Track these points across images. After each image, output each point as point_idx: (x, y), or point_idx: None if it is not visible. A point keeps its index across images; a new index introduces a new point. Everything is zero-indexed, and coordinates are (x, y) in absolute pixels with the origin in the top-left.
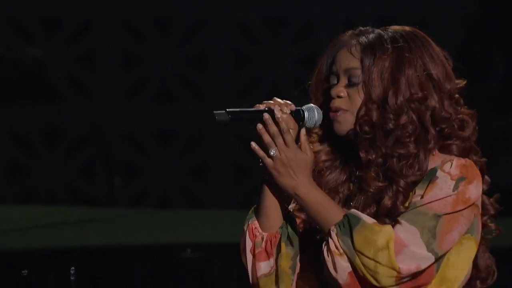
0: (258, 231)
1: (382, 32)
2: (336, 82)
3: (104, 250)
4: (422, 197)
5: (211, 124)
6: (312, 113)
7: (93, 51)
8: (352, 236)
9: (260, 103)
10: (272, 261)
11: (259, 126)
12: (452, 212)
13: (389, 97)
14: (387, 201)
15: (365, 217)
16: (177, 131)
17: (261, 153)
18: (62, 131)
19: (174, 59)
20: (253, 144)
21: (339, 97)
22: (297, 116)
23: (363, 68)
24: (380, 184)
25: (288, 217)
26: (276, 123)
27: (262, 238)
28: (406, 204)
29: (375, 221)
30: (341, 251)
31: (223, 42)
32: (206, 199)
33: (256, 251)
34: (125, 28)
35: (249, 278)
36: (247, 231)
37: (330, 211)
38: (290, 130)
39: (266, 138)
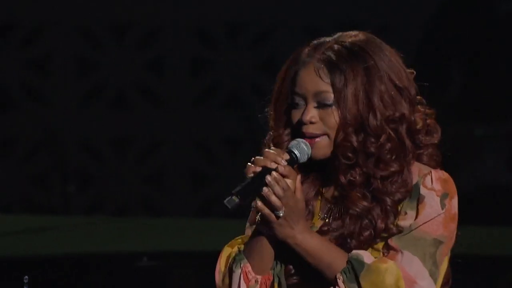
0: (251, 274)
1: (342, 46)
2: (302, 103)
3: (58, 259)
4: (415, 218)
5: (168, 131)
6: (303, 150)
7: (47, 57)
8: (359, 282)
9: (250, 162)
10: None
11: (265, 189)
12: (448, 235)
13: (369, 119)
14: (380, 224)
15: (367, 258)
16: (133, 138)
17: (267, 211)
18: (16, 138)
19: (130, 66)
20: (259, 203)
21: (312, 123)
22: (292, 161)
23: (334, 91)
24: (367, 204)
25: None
26: (280, 179)
27: (256, 281)
28: (396, 222)
29: (374, 258)
30: None
31: (179, 48)
32: (163, 207)
33: None
34: (81, 34)
35: None
36: (241, 274)
37: (332, 257)
38: (290, 181)
39: (274, 199)
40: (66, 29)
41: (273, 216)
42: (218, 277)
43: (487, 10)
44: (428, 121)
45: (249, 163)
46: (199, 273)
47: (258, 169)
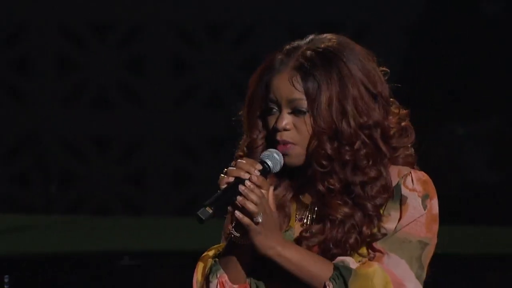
0: (228, 284)
1: (315, 52)
2: (276, 110)
3: (40, 258)
4: (399, 219)
5: (150, 130)
6: (275, 160)
7: (28, 55)
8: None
9: (223, 173)
10: None
11: (239, 198)
12: (432, 237)
13: (342, 127)
14: (365, 230)
15: (352, 264)
16: (115, 137)
17: (246, 220)
18: None
19: (111, 65)
20: (238, 213)
21: (285, 130)
22: (264, 172)
23: (308, 98)
24: (348, 210)
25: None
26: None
27: None
28: (380, 224)
29: (357, 264)
30: None
31: (161, 47)
32: (145, 206)
33: None
34: (62, 33)
35: None
36: (218, 285)
37: (317, 265)
38: (264, 192)
39: (250, 206)
40: (47, 28)
41: (253, 224)
42: (195, 287)
43: (472, 11)
44: (403, 124)
45: (222, 175)
46: (180, 273)
47: (231, 179)
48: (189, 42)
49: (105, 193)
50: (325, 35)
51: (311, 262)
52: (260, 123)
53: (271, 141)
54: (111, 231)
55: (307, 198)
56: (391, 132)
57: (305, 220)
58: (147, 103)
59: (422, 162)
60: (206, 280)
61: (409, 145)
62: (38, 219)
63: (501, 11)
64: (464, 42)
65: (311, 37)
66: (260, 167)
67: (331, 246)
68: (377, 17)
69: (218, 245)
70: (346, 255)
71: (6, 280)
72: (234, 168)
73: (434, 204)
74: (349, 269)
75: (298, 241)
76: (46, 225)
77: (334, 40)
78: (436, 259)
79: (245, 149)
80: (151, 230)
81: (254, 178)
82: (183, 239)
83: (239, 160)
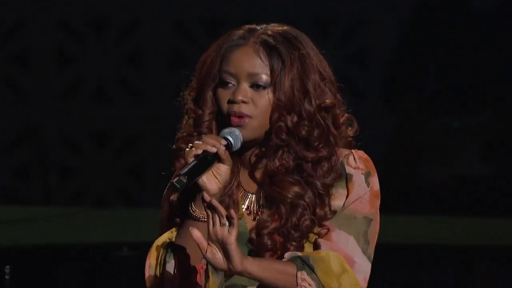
0: (185, 263)
1: (277, 33)
2: (233, 83)
3: (39, 250)
4: (346, 196)
5: (148, 124)
6: (236, 137)
7: (27, 50)
8: (315, 273)
9: (189, 147)
10: None
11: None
12: (376, 212)
13: (304, 105)
14: (319, 211)
15: (302, 254)
16: (113, 130)
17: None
18: None
19: (110, 59)
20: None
21: (243, 102)
22: (227, 148)
23: (272, 73)
24: (298, 189)
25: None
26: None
27: (190, 270)
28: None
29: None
30: None
31: (159, 41)
32: (143, 199)
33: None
34: (61, 28)
35: None
36: (176, 264)
37: (278, 266)
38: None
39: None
40: (46, 22)
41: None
42: (148, 272)
43: (461, 6)
44: (347, 115)
45: (187, 148)
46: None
47: (200, 151)
48: (186, 37)
49: (104, 186)
50: (277, 23)
51: (272, 267)
52: (209, 99)
53: (222, 116)
54: (110, 223)
55: (251, 186)
56: (340, 120)
57: (251, 208)
58: (146, 96)
59: (416, 154)
60: (162, 261)
61: (351, 136)
62: (37, 211)
63: (493, 5)
64: (457, 36)
65: (263, 24)
66: (225, 142)
67: (291, 230)
68: (371, 11)
69: (164, 234)
70: (304, 237)
71: (7, 271)
72: (200, 142)
73: (376, 181)
74: (305, 257)
75: (255, 230)
76: (45, 217)
77: (289, 27)
78: (428, 250)
79: (190, 128)
80: (150, 222)
81: (221, 152)
82: None
83: (204, 135)
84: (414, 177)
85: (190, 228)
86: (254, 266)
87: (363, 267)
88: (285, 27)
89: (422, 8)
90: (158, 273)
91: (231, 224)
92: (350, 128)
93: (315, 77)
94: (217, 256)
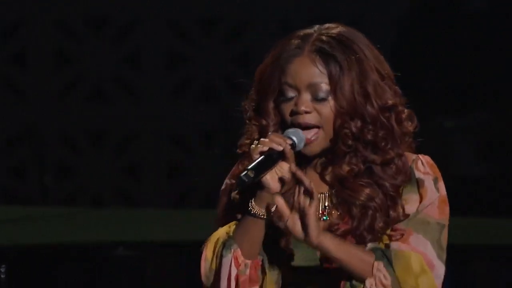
0: (241, 259)
1: (331, 37)
2: (294, 95)
3: (36, 249)
4: (420, 202)
5: (145, 123)
6: (300, 137)
7: (26, 49)
8: (393, 268)
9: (256, 145)
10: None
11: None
12: (447, 218)
13: (367, 108)
14: (393, 213)
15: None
16: (110, 130)
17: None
18: None
19: (107, 59)
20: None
21: (307, 112)
22: (292, 147)
23: (330, 80)
24: (369, 192)
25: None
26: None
27: (246, 266)
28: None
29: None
30: (389, 282)
31: (156, 41)
32: (140, 198)
33: (241, 279)
34: (59, 27)
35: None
36: (232, 259)
37: (358, 249)
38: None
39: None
40: (45, 22)
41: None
42: (204, 264)
43: (459, 7)
44: (407, 110)
45: (253, 145)
46: (174, 263)
47: (265, 148)
48: (184, 36)
49: (100, 185)
50: (327, 24)
51: (349, 248)
52: (272, 110)
53: (287, 127)
54: (107, 222)
55: (321, 188)
56: (403, 116)
57: (321, 210)
58: (142, 96)
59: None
60: (219, 255)
61: (412, 132)
62: (34, 211)
63: (491, 6)
64: (452, 36)
65: (317, 26)
66: (290, 141)
67: (363, 232)
68: (367, 9)
69: (225, 226)
70: (378, 239)
71: (2, 270)
72: (267, 140)
73: (443, 186)
74: (387, 250)
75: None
76: (42, 216)
77: (341, 27)
78: None
79: (254, 136)
80: (146, 222)
81: (287, 150)
82: (177, 230)
83: (270, 133)
84: None
85: (275, 197)
86: (330, 243)
87: (440, 272)
88: (339, 29)
89: (419, 8)
90: (214, 266)
91: (312, 198)
92: (410, 123)
93: (374, 77)
94: (297, 225)
